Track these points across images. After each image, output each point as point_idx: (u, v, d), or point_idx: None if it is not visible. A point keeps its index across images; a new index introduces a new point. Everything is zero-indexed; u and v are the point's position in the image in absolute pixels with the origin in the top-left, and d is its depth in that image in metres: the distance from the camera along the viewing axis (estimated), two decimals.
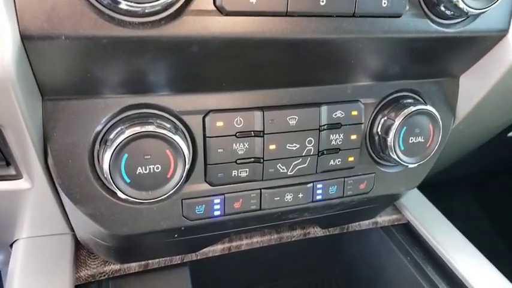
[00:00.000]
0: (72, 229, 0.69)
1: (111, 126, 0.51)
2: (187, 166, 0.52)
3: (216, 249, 0.74)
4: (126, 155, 0.49)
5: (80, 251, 0.71)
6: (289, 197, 0.62)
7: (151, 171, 0.50)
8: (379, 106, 0.64)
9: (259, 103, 0.56)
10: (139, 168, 0.50)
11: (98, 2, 0.40)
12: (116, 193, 0.53)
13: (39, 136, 0.48)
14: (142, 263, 0.70)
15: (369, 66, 0.58)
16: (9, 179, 0.53)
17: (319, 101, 0.59)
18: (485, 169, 1.25)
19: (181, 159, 0.51)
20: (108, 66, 0.45)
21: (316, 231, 0.81)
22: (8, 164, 0.52)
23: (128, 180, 0.50)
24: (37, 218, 0.64)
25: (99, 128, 0.51)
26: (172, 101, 0.53)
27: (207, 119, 0.54)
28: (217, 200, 0.58)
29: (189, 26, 0.43)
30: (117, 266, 0.69)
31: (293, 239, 0.79)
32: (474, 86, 0.67)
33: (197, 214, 0.58)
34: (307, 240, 0.87)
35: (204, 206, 0.58)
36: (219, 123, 0.55)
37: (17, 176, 0.53)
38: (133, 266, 0.69)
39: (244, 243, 0.76)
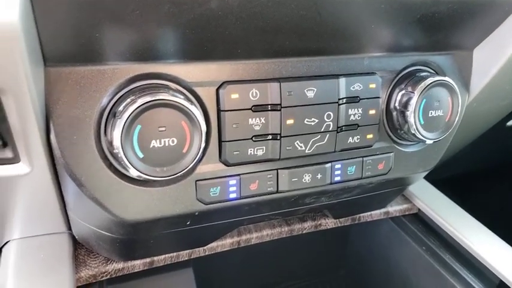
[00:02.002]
0: (69, 227, 0.65)
1: (119, 97, 0.48)
2: (203, 139, 0.49)
3: (225, 244, 0.70)
4: (139, 127, 0.46)
5: (78, 250, 0.66)
6: (307, 178, 0.59)
7: (166, 144, 0.47)
8: (395, 80, 0.63)
9: (275, 74, 0.54)
10: (154, 141, 0.47)
11: None
12: (124, 174, 0.50)
13: (42, 108, 0.45)
14: (147, 260, 0.66)
15: (386, 34, 0.57)
16: (6, 162, 0.49)
17: (336, 73, 0.58)
18: (490, 164, 1.27)
19: (197, 132, 0.48)
20: (119, 23, 0.42)
21: (328, 223, 0.78)
22: (4, 145, 0.48)
23: (141, 155, 0.46)
24: (32, 213, 0.60)
25: (106, 99, 0.47)
26: (184, 71, 0.50)
27: (221, 91, 0.52)
28: (232, 181, 0.55)
29: None
30: (120, 265, 0.64)
31: (304, 231, 0.77)
32: (488, 60, 0.67)
33: (212, 197, 0.55)
34: (315, 236, 0.85)
35: (219, 187, 0.55)
36: (234, 96, 0.52)
37: (14, 159, 0.49)
38: (138, 264, 0.65)
39: (254, 237, 0.73)
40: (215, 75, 0.52)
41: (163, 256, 0.66)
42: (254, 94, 0.53)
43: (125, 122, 0.45)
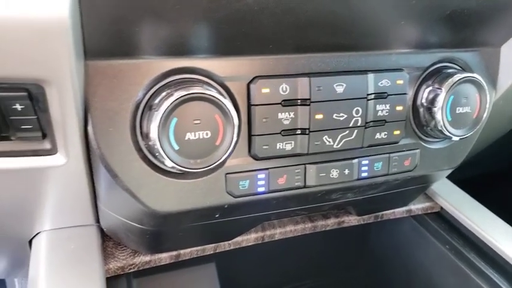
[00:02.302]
0: (97, 220, 0.67)
1: (155, 91, 0.49)
2: (235, 132, 0.50)
3: (249, 238, 0.71)
4: (175, 119, 0.47)
5: (106, 242, 0.68)
6: (335, 173, 0.60)
7: (200, 137, 0.49)
8: (422, 77, 0.64)
9: (305, 69, 0.55)
10: (189, 133, 0.48)
11: None
12: (157, 166, 0.52)
13: (81, 100, 0.46)
14: (174, 253, 0.67)
15: (415, 30, 0.58)
16: (43, 154, 0.51)
17: (365, 68, 0.58)
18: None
19: (230, 125, 0.50)
20: (159, 17, 0.44)
21: (351, 220, 0.79)
22: (43, 136, 0.50)
23: (177, 147, 0.48)
24: (63, 204, 0.61)
25: (141, 93, 0.49)
26: (216, 65, 0.51)
27: (252, 85, 0.53)
28: (261, 175, 0.57)
29: None
30: (147, 257, 0.66)
31: (327, 228, 0.78)
32: None
33: (241, 190, 0.56)
34: (334, 234, 0.86)
35: (248, 181, 0.56)
36: (265, 90, 0.53)
37: (52, 151, 0.51)
38: (164, 257, 0.66)
39: (277, 232, 0.74)
40: (246, 70, 0.53)
41: (189, 250, 0.68)
42: (284, 89, 0.54)
43: (162, 115, 0.46)
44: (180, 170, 0.49)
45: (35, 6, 0.37)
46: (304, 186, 0.59)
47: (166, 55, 0.49)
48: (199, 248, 0.68)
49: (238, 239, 0.71)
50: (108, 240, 0.68)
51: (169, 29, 0.46)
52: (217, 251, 0.70)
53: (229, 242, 0.70)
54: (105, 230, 0.66)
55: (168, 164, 0.48)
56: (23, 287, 1.03)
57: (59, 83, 0.42)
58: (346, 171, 0.61)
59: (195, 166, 0.49)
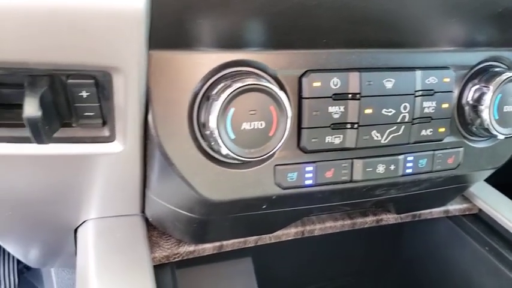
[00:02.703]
0: (142, 210, 0.69)
1: (212, 82, 0.51)
2: (288, 124, 0.52)
3: (289, 233, 0.73)
4: (232, 109, 0.49)
5: (151, 232, 0.70)
6: (381, 169, 0.61)
7: (255, 127, 0.50)
8: (468, 75, 0.64)
9: (355, 64, 0.57)
10: (245, 123, 0.50)
11: None
12: (211, 155, 0.54)
13: (145, 89, 0.49)
14: (217, 244, 0.69)
15: (464, 28, 0.59)
16: (101, 141, 0.53)
17: (413, 65, 0.60)
18: None
19: (284, 116, 0.51)
20: (223, 10, 0.46)
21: (389, 218, 0.80)
22: (103, 123, 0.52)
23: (233, 136, 0.50)
24: (111, 193, 0.64)
25: (199, 84, 0.51)
26: (270, 59, 0.53)
27: (304, 79, 0.55)
28: (309, 168, 0.58)
29: None
30: (191, 247, 0.68)
31: (366, 226, 0.78)
32: None
33: (289, 182, 0.57)
34: (366, 233, 0.86)
35: (296, 173, 0.57)
36: (316, 84, 0.55)
37: (110, 138, 0.53)
38: (208, 248, 0.68)
39: (317, 228, 0.75)
40: (299, 64, 0.54)
41: (231, 241, 0.70)
42: (335, 83, 0.56)
43: (221, 105, 0.48)
44: (235, 159, 0.51)
45: None
46: (351, 181, 0.60)
47: (224, 48, 0.51)
48: (241, 239, 0.70)
49: (279, 232, 0.72)
50: (153, 230, 0.70)
51: (230, 22, 0.48)
52: (258, 243, 0.71)
53: (270, 235, 0.72)
54: (150, 219, 0.69)
55: (224, 152, 0.50)
56: (60, 277, 1.06)
57: (127, 71, 0.45)
58: (392, 167, 0.62)
59: (249, 155, 0.51)
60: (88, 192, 0.63)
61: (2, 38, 0.40)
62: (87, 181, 0.60)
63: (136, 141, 0.54)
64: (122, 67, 0.44)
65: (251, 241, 0.71)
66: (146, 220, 0.69)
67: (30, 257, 0.89)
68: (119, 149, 0.54)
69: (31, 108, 0.43)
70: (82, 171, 0.58)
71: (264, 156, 0.52)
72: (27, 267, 1.53)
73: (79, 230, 0.71)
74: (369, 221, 0.78)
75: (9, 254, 1.48)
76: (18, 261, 1.49)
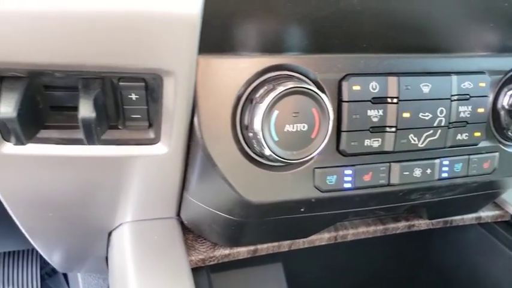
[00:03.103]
0: (177, 213, 0.70)
1: (255, 86, 0.53)
2: (330, 126, 0.53)
3: (323, 238, 0.74)
4: (276, 112, 0.51)
5: (186, 235, 0.71)
6: (417, 172, 0.62)
7: (298, 129, 0.52)
8: (504, 80, 0.65)
9: (393, 68, 0.58)
10: (288, 125, 0.51)
11: None
12: (253, 158, 0.55)
13: (193, 92, 0.50)
14: (251, 248, 0.70)
15: (501, 34, 0.60)
16: (146, 143, 0.55)
17: (449, 70, 0.61)
18: None
19: (325, 119, 0.53)
20: (270, 15, 0.48)
21: (421, 224, 0.80)
22: (149, 125, 0.54)
23: (276, 138, 0.51)
24: (149, 196, 0.66)
25: (243, 88, 0.53)
26: (311, 63, 0.55)
27: (343, 82, 0.56)
28: (348, 171, 0.59)
29: None
30: (226, 251, 0.69)
31: (398, 231, 0.79)
32: None
33: (328, 185, 0.58)
34: (393, 239, 0.87)
35: (335, 176, 0.59)
36: (356, 88, 0.56)
37: (155, 140, 0.55)
38: (243, 251, 0.69)
39: (350, 233, 0.76)
40: (338, 68, 0.56)
41: (266, 245, 0.71)
42: (374, 87, 0.57)
43: (266, 107, 0.50)
44: (278, 161, 0.52)
45: (167, 1, 0.41)
46: (388, 184, 0.61)
47: (267, 52, 0.53)
48: (275, 244, 0.71)
49: (313, 237, 0.73)
50: (187, 233, 0.72)
51: (274, 28, 0.50)
52: (291, 248, 0.72)
53: (304, 240, 0.73)
54: (185, 222, 0.70)
55: (267, 153, 0.51)
56: (86, 282, 1.08)
57: (178, 74, 0.46)
58: (428, 171, 0.63)
59: (292, 157, 0.52)
60: (127, 195, 0.65)
61: (63, 42, 0.42)
62: (127, 183, 0.62)
63: (180, 144, 0.55)
64: (174, 71, 0.46)
65: (285, 245, 0.72)
66: (181, 223, 0.71)
67: (61, 260, 0.91)
68: (163, 151, 0.56)
69: (86, 109, 0.45)
70: (123, 173, 0.60)
71: (306, 158, 0.53)
72: (49, 274, 1.55)
73: (114, 233, 0.73)
74: (401, 226, 0.79)
75: (31, 260, 1.51)
76: (41, 268, 1.51)
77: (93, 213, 0.70)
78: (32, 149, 0.53)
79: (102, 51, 0.43)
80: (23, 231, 0.73)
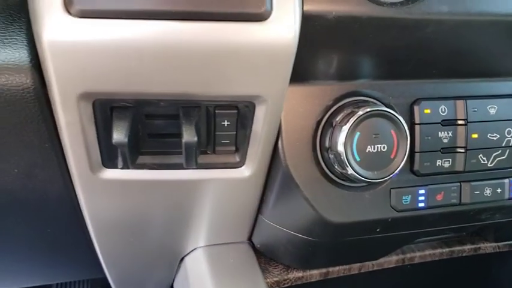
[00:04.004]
0: (249, 237, 0.74)
1: (334, 111, 0.58)
2: (408, 147, 0.57)
3: (391, 260, 0.76)
4: (358, 133, 0.55)
5: (259, 258, 0.74)
6: (488, 192, 0.65)
7: (379, 150, 0.56)
8: None
9: (461, 92, 0.62)
10: (369, 146, 0.55)
11: None
12: (332, 179, 0.59)
13: (280, 118, 0.55)
14: (323, 270, 0.72)
15: None
16: (231, 166, 0.60)
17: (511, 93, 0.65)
18: None
19: (403, 140, 0.56)
20: (352, 45, 0.53)
21: (487, 247, 0.81)
22: (236, 150, 0.58)
23: (358, 159, 0.55)
24: (225, 219, 0.69)
25: (323, 112, 0.57)
26: (385, 88, 0.59)
27: (415, 106, 0.60)
28: (421, 191, 0.62)
29: (431, 7, 0.51)
30: (299, 273, 0.72)
31: (464, 254, 0.80)
32: None
33: (403, 205, 0.61)
34: (449, 264, 0.87)
35: (410, 196, 0.62)
36: (427, 111, 0.60)
37: (239, 164, 0.60)
38: (315, 274, 0.72)
39: (417, 255, 0.77)
40: (410, 93, 0.60)
41: (337, 268, 0.73)
42: (443, 110, 0.61)
43: (348, 130, 0.54)
44: (360, 181, 0.56)
45: (266, 33, 0.47)
46: (459, 204, 0.64)
47: (344, 79, 0.58)
48: (346, 266, 0.74)
49: (381, 260, 0.75)
50: (260, 257, 0.75)
51: (354, 56, 0.55)
52: (361, 271, 0.74)
53: (374, 262, 0.75)
54: (258, 246, 0.73)
55: (350, 173, 0.55)
56: None
57: (270, 101, 0.51)
58: (499, 190, 0.65)
59: (373, 177, 0.56)
60: (204, 218, 0.69)
61: (172, 74, 0.47)
62: (206, 206, 0.66)
63: (262, 167, 0.60)
64: (267, 98, 0.51)
65: (355, 268, 0.74)
66: (252, 247, 0.74)
67: (126, 285, 0.94)
68: (247, 174, 0.60)
69: (189, 134, 0.50)
70: (204, 196, 0.64)
71: (387, 178, 0.56)
72: None
73: (187, 258, 0.76)
74: (467, 249, 0.80)
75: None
76: None
77: (170, 238, 0.74)
78: (129, 174, 0.58)
79: (208, 81, 0.48)
80: (100, 257, 0.77)
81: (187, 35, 0.44)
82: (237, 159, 0.59)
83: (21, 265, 0.90)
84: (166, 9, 0.43)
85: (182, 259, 0.78)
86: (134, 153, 0.55)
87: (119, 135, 0.50)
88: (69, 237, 0.79)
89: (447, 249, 0.79)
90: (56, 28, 0.44)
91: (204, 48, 0.46)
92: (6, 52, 0.52)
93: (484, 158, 0.63)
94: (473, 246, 0.80)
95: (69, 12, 0.43)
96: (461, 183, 0.64)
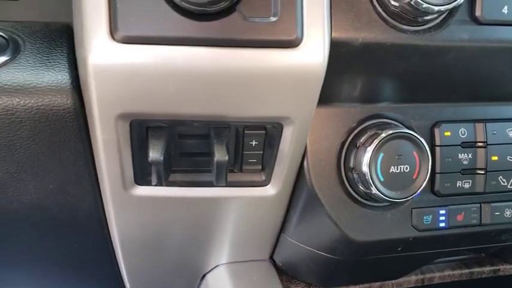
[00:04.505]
0: (270, 255, 0.75)
1: (357, 132, 0.60)
2: (429, 168, 0.58)
3: (410, 280, 0.77)
4: (382, 154, 0.57)
5: (280, 276, 0.76)
6: (508, 213, 0.66)
7: (401, 170, 0.57)
8: None
9: (480, 116, 0.64)
10: (392, 167, 0.57)
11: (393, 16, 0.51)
12: (355, 198, 0.61)
13: (306, 138, 0.58)
14: None
15: None
16: (257, 185, 0.62)
17: None
18: None
19: (425, 161, 0.58)
20: (376, 70, 0.55)
21: (506, 268, 0.82)
22: (262, 169, 0.61)
23: (382, 179, 0.57)
24: (249, 236, 0.71)
25: (347, 134, 0.59)
26: (407, 111, 0.61)
27: (436, 129, 0.62)
28: (442, 211, 0.64)
29: (452, 34, 0.53)
30: None
31: (483, 276, 0.81)
32: None
33: (425, 224, 0.63)
34: (468, 286, 0.88)
35: (431, 216, 0.63)
36: (447, 133, 0.62)
37: (265, 182, 0.62)
38: None
39: (437, 276, 0.78)
40: (430, 116, 0.62)
41: (358, 286, 0.74)
42: (463, 132, 0.63)
43: (373, 151, 0.56)
44: (384, 200, 0.58)
45: (297, 58, 0.49)
46: (480, 224, 0.65)
47: (368, 103, 0.60)
48: (366, 285, 0.75)
49: (401, 280, 0.76)
50: (281, 275, 0.76)
51: (379, 81, 0.57)
52: None
53: (393, 281, 0.76)
54: (279, 264, 0.75)
55: (374, 192, 0.57)
56: None
57: (298, 123, 0.54)
58: None
59: (396, 196, 0.57)
60: (227, 236, 0.71)
61: (208, 97, 0.50)
62: (230, 224, 0.68)
63: (287, 186, 0.62)
64: (295, 119, 0.53)
65: (375, 287, 0.75)
66: (274, 265, 0.76)
67: None
68: (272, 193, 0.62)
69: (220, 153, 0.53)
70: (229, 213, 0.66)
71: (409, 198, 0.58)
72: None
73: (209, 275, 0.78)
74: (486, 271, 0.81)
75: None
76: None
77: (193, 255, 0.75)
78: (159, 191, 0.60)
79: (240, 104, 0.51)
80: (124, 272, 0.79)
81: (222, 60, 0.47)
82: (263, 177, 0.61)
83: (42, 278, 0.92)
84: (202, 36, 0.46)
85: (203, 276, 0.79)
86: (167, 171, 0.57)
87: (155, 154, 0.52)
88: (94, 252, 0.81)
89: (467, 271, 0.80)
90: (101, 52, 0.46)
91: (238, 73, 0.48)
92: (49, 75, 0.56)
93: (504, 180, 0.64)
94: (492, 268, 0.81)
95: (113, 38, 0.46)
96: (482, 204, 0.65)
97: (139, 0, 0.45)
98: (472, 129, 0.63)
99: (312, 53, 0.49)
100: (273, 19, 0.47)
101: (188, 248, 0.73)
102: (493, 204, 0.65)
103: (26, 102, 0.54)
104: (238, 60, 0.47)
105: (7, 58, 0.56)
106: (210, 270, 0.77)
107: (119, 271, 0.82)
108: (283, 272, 0.76)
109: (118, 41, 0.46)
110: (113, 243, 0.73)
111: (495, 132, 0.63)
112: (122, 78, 0.48)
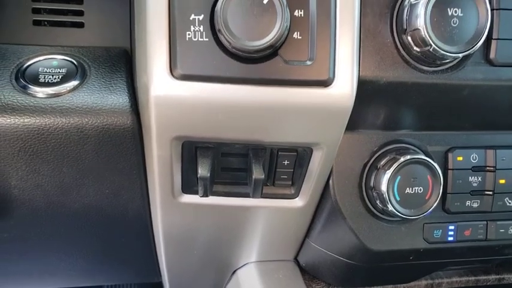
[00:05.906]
0: (295, 256, 0.83)
1: (378, 155, 0.67)
2: (441, 190, 0.65)
3: (420, 285, 0.84)
4: (399, 177, 0.64)
5: (303, 275, 0.84)
6: None
7: (416, 191, 0.64)
8: None
9: (490, 142, 0.70)
10: (408, 188, 0.64)
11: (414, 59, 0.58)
12: (374, 213, 0.68)
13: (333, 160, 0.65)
14: None
15: None
16: (287, 197, 0.70)
17: None
18: None
19: (437, 185, 0.65)
20: (397, 103, 0.62)
21: (510, 278, 0.88)
22: (292, 184, 0.68)
23: (398, 198, 0.64)
24: (278, 239, 0.79)
25: (369, 156, 0.66)
26: (423, 138, 0.68)
27: (449, 154, 0.69)
28: (451, 227, 0.70)
29: (468, 74, 0.59)
30: None
31: (488, 283, 0.87)
32: None
33: (434, 238, 0.70)
34: None
35: (440, 230, 0.70)
36: (459, 158, 0.69)
37: (294, 195, 0.69)
38: None
39: (445, 282, 0.85)
40: (444, 142, 0.69)
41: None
42: (474, 158, 0.69)
43: (391, 173, 0.63)
44: (399, 217, 0.65)
45: (328, 96, 0.56)
46: (485, 239, 0.72)
47: (389, 130, 0.67)
48: (380, 287, 0.82)
49: (411, 284, 0.83)
50: (304, 274, 0.84)
51: (399, 111, 0.64)
52: None
53: (405, 285, 0.83)
54: (303, 264, 0.83)
55: (390, 209, 0.64)
56: None
57: (326, 148, 0.61)
58: None
59: (410, 214, 0.64)
60: (258, 239, 0.79)
61: (249, 126, 0.58)
62: (262, 229, 0.76)
63: (313, 199, 0.69)
64: (324, 145, 0.61)
65: None
66: (298, 265, 0.84)
67: None
68: (300, 205, 0.70)
69: (258, 172, 0.61)
70: (262, 220, 0.74)
71: (421, 216, 0.65)
72: None
73: (239, 271, 0.86)
74: (492, 279, 0.87)
75: None
76: None
77: (227, 253, 0.84)
78: (203, 199, 0.68)
79: (277, 132, 0.58)
80: (163, 265, 0.88)
81: (265, 96, 0.54)
82: (292, 191, 0.69)
83: (88, 266, 1.02)
84: (249, 76, 0.53)
85: (234, 271, 0.88)
86: (211, 184, 0.65)
87: (203, 171, 0.60)
88: (137, 247, 0.90)
89: (473, 278, 0.86)
90: (162, 86, 0.54)
91: (278, 107, 0.55)
92: (112, 98, 0.64)
93: (510, 201, 0.71)
94: (497, 276, 0.87)
95: (172, 75, 0.54)
96: (488, 221, 0.71)
97: (195, 44, 0.53)
98: (483, 155, 0.69)
99: (342, 90, 0.55)
100: (308, 63, 0.54)
101: (222, 247, 0.82)
102: (498, 222, 0.71)
103: (93, 122, 0.63)
104: (278, 96, 0.54)
105: (77, 82, 0.64)
106: (240, 267, 0.86)
107: (158, 264, 0.91)
108: (306, 272, 0.84)
109: (176, 78, 0.54)
110: (156, 240, 0.82)
111: (504, 158, 0.69)
112: (179, 108, 0.55)
